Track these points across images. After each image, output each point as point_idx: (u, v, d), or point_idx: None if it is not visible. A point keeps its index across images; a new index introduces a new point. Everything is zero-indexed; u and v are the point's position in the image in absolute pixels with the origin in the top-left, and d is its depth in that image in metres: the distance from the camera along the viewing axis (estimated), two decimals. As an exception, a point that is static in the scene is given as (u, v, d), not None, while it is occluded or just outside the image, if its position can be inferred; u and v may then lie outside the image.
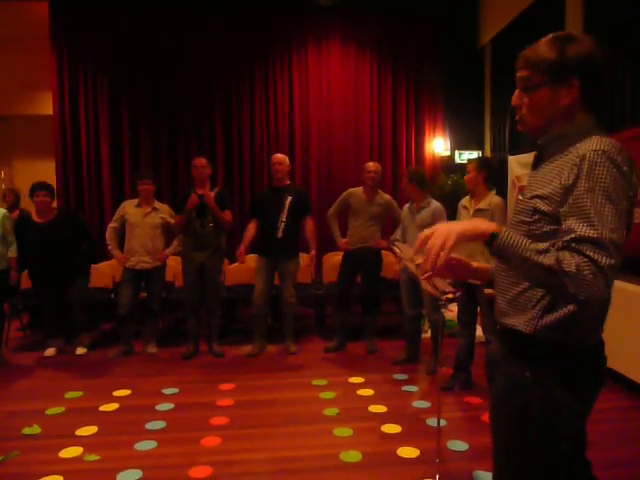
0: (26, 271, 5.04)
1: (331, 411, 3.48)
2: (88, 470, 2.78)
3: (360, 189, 4.74)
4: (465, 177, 3.67)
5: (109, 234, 4.75)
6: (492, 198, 3.55)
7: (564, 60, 1.31)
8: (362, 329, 4.96)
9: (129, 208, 4.75)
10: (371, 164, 4.70)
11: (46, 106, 6.60)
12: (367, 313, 4.84)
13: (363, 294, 4.81)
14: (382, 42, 6.83)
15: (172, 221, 4.76)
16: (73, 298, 4.81)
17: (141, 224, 4.70)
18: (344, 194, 4.83)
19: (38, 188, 4.62)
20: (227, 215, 4.66)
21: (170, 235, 4.86)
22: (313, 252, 4.79)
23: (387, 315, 5.70)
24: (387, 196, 4.79)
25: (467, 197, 3.76)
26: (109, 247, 4.75)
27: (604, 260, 1.15)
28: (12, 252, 4.64)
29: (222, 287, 4.90)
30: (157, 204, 4.81)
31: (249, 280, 5.23)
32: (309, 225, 4.80)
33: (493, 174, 3.73)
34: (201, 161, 4.63)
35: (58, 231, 4.66)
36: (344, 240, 4.76)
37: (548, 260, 1.18)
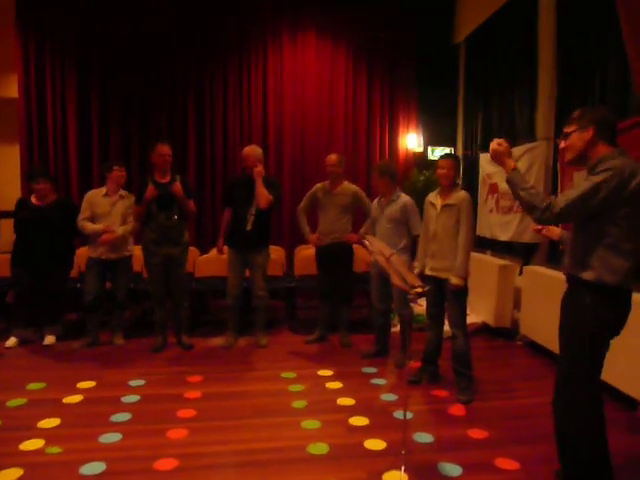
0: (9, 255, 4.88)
1: (299, 403, 3.48)
2: (50, 462, 2.73)
3: (326, 182, 4.77)
4: (440, 173, 3.64)
5: (83, 224, 4.58)
6: (459, 193, 3.60)
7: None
8: (334, 322, 4.96)
9: (96, 198, 4.63)
10: (331, 156, 4.72)
11: (11, 89, 6.38)
12: (340, 307, 4.86)
13: (337, 288, 4.81)
14: (358, 36, 6.81)
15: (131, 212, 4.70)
16: (55, 286, 4.75)
17: (109, 213, 4.60)
18: (312, 189, 4.86)
19: (38, 175, 4.68)
20: (192, 205, 4.59)
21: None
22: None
23: (358, 309, 5.72)
24: (354, 186, 4.80)
25: (433, 193, 3.79)
26: (87, 230, 4.56)
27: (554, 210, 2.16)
28: None
29: (189, 278, 4.83)
30: (123, 192, 4.72)
31: (219, 272, 5.18)
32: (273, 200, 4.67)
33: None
34: (166, 148, 4.49)
35: (52, 215, 4.65)
36: (314, 235, 4.76)
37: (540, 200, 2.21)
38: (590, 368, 2.26)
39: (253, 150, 4.65)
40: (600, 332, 2.23)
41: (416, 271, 3.81)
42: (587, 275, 2.20)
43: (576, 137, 2.25)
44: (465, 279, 3.56)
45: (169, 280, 4.60)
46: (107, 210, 4.60)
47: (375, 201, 4.39)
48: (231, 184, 4.89)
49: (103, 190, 4.66)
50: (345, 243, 4.70)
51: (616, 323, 2.25)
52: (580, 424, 2.27)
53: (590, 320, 2.21)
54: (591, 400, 2.26)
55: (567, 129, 2.30)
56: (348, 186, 4.75)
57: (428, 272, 3.73)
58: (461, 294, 3.59)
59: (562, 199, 2.17)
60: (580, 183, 2.17)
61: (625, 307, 2.25)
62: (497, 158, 2.41)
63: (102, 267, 4.61)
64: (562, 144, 2.33)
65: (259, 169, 4.49)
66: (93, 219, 4.60)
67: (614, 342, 3.51)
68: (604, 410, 2.29)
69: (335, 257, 4.73)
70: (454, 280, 3.51)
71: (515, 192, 2.31)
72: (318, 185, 4.84)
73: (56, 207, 4.71)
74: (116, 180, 4.63)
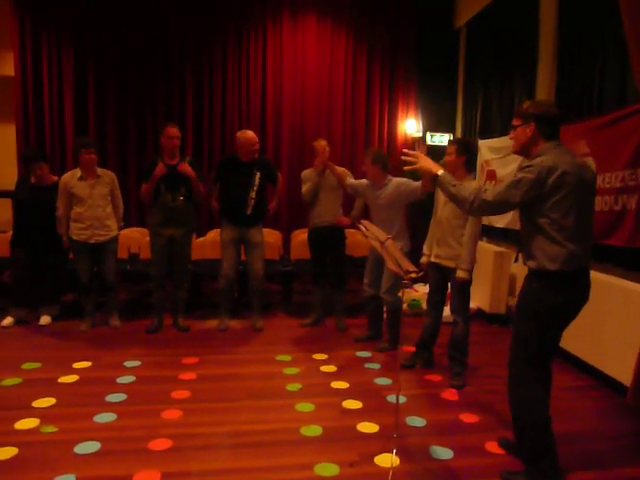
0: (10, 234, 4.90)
1: (294, 386, 3.51)
2: (45, 442, 2.75)
3: (311, 169, 4.76)
4: (446, 159, 3.60)
5: (60, 221, 4.55)
6: (470, 183, 3.46)
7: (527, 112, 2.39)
8: (330, 307, 4.98)
9: (72, 182, 4.50)
10: (321, 142, 4.67)
11: (6, 67, 6.31)
12: (334, 291, 4.87)
13: (329, 272, 4.82)
14: (359, 20, 6.74)
15: (117, 186, 4.70)
16: (47, 267, 4.77)
17: (90, 196, 4.50)
18: (303, 176, 4.82)
19: (37, 158, 4.68)
20: (201, 186, 4.58)
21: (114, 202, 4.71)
22: (273, 204, 4.85)
23: (354, 293, 5.73)
24: (341, 168, 4.77)
25: None
26: (59, 229, 4.56)
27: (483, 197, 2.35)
28: None
29: (190, 261, 4.83)
30: (99, 171, 4.60)
31: (215, 255, 5.18)
32: (279, 184, 4.87)
33: (473, 158, 3.70)
34: (174, 130, 4.45)
35: (50, 196, 4.59)
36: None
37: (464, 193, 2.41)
38: (537, 350, 2.39)
39: (257, 142, 4.65)
40: (546, 315, 2.34)
41: (424, 258, 3.82)
42: (531, 264, 2.37)
43: (520, 131, 2.41)
44: (471, 271, 3.55)
45: (171, 262, 4.59)
46: (87, 193, 4.49)
47: (365, 183, 4.30)
48: (222, 166, 4.78)
49: (77, 173, 4.53)
50: (337, 226, 4.70)
51: (564, 307, 2.36)
52: (522, 400, 2.45)
53: (536, 303, 2.36)
54: (534, 379, 2.41)
55: (515, 122, 2.44)
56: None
57: (433, 259, 3.73)
58: (466, 283, 3.59)
59: (491, 191, 2.36)
60: (506, 179, 2.39)
61: (572, 290, 2.36)
62: (426, 169, 2.55)
63: (89, 249, 4.57)
64: (511, 135, 2.49)
65: (186, 166, 4.45)
66: (73, 203, 4.51)
67: (609, 330, 3.54)
68: (547, 390, 2.46)
69: (327, 240, 4.73)
70: (460, 274, 3.50)
71: (447, 190, 2.47)
72: (305, 172, 4.82)
73: (54, 189, 4.65)
74: (86, 163, 4.48)
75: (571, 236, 2.27)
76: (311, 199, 4.72)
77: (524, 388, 2.44)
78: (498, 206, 2.36)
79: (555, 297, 2.32)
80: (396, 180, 4.15)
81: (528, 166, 2.29)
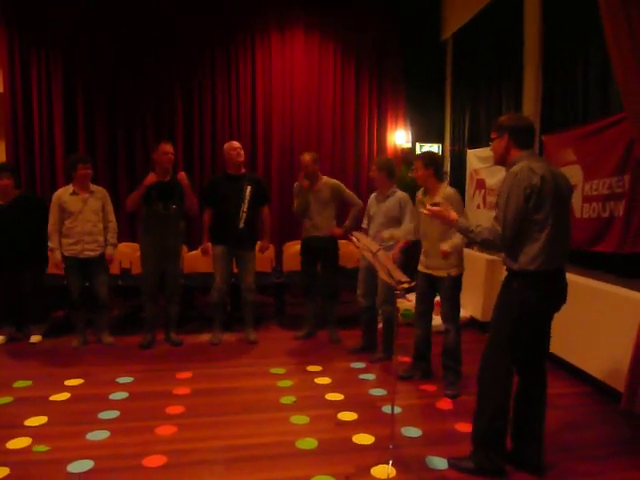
0: None
1: (288, 399, 3.50)
2: (37, 461, 2.71)
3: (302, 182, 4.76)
4: (414, 174, 3.71)
5: (51, 234, 4.49)
6: (445, 191, 3.57)
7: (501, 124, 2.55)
8: (322, 319, 4.97)
9: (64, 196, 4.49)
10: (305, 156, 4.65)
11: (-5, 84, 6.31)
12: (326, 303, 4.87)
13: (321, 284, 4.82)
14: (346, 33, 6.80)
15: (109, 202, 4.69)
16: (26, 284, 4.70)
17: (83, 211, 4.49)
18: (294, 189, 4.81)
19: (3, 170, 4.60)
20: (194, 197, 4.60)
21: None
22: (265, 242, 4.82)
23: (347, 304, 5.73)
24: (333, 180, 4.80)
25: (422, 190, 3.80)
26: (51, 246, 4.50)
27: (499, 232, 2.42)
28: None
29: (181, 274, 4.81)
30: (93, 187, 4.61)
31: (207, 268, 5.17)
32: (265, 214, 4.82)
33: (440, 168, 3.77)
34: (169, 147, 4.49)
35: (14, 214, 4.58)
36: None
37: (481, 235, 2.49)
38: (508, 346, 2.49)
39: (242, 148, 4.71)
40: (522, 315, 2.44)
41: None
42: (514, 266, 2.46)
43: (496, 143, 2.56)
44: (459, 274, 3.59)
45: (163, 274, 4.58)
46: (79, 208, 4.48)
47: (372, 197, 4.38)
48: (211, 184, 4.81)
49: (70, 188, 4.53)
50: (330, 237, 4.70)
51: (540, 309, 2.48)
52: (488, 384, 2.55)
53: (515, 303, 2.45)
54: (502, 367, 2.52)
55: (492, 135, 2.59)
56: (327, 181, 4.75)
57: (421, 269, 3.74)
58: (455, 289, 3.60)
59: (498, 224, 2.42)
60: (498, 202, 2.45)
61: (551, 290, 2.48)
62: (442, 219, 2.64)
63: (80, 265, 4.54)
64: (490, 148, 2.65)
65: (182, 175, 4.48)
66: (65, 218, 4.48)
67: (602, 336, 3.56)
68: (512, 387, 2.55)
69: (320, 250, 4.73)
70: (444, 246, 3.46)
71: (468, 237, 2.58)
72: (297, 185, 4.77)
73: (18, 204, 4.62)
74: (82, 178, 4.49)
75: (551, 237, 2.37)
76: (301, 214, 4.74)
77: (493, 373, 2.53)
78: (512, 229, 2.39)
79: (534, 297, 2.42)
80: (400, 195, 4.18)
81: (508, 177, 2.41)
